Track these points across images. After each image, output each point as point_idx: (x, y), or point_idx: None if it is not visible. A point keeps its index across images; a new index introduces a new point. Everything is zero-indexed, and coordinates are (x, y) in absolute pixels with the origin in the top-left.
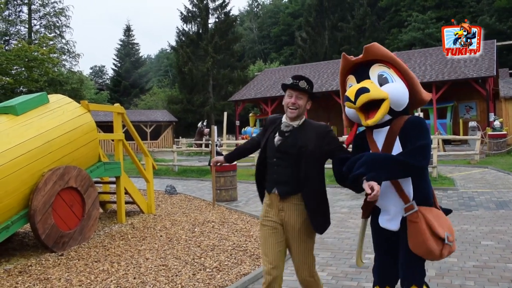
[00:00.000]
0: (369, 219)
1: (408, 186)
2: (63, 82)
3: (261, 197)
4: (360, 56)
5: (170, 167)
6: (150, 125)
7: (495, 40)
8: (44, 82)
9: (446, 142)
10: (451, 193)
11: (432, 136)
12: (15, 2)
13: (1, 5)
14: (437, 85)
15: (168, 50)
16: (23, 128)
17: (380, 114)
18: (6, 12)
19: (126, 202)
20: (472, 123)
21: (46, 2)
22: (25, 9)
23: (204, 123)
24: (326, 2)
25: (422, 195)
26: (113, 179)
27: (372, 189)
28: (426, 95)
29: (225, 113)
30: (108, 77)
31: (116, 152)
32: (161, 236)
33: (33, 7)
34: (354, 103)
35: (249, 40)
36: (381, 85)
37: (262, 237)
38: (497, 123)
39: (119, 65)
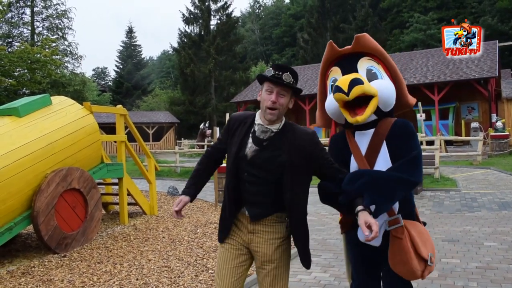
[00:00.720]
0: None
1: None
2: (66, 84)
3: (227, 218)
4: (349, 46)
5: (172, 169)
6: (152, 127)
7: (497, 40)
8: (47, 84)
9: (448, 143)
10: (454, 194)
11: (434, 137)
12: (18, 4)
13: (4, 7)
14: (439, 86)
15: (170, 52)
16: (26, 130)
17: (370, 111)
18: (9, 14)
19: (129, 204)
20: (474, 124)
21: (49, 4)
22: (28, 11)
23: (206, 125)
24: (328, 3)
25: (408, 208)
26: (116, 181)
27: (369, 227)
28: (412, 99)
29: (227, 115)
30: (111, 79)
31: (118, 154)
32: (163, 237)
33: (35, 9)
34: (347, 94)
35: (251, 42)
36: (369, 80)
37: (220, 257)
38: (499, 124)
39: (121, 66)
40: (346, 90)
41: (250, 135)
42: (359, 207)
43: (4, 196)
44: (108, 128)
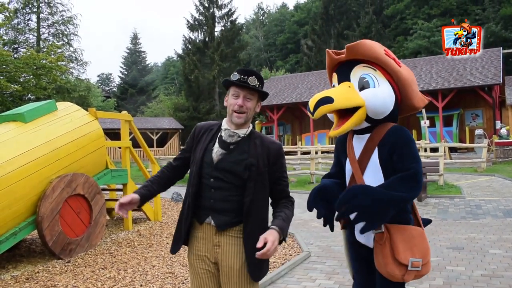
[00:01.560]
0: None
1: None
2: (71, 90)
3: (183, 229)
4: (343, 55)
5: None
6: (157, 133)
7: (501, 47)
8: (52, 89)
9: (452, 150)
10: (458, 201)
11: (438, 144)
12: (24, 11)
13: (10, 14)
14: (443, 92)
15: (174, 58)
16: (31, 135)
17: (350, 124)
18: (15, 21)
19: (133, 209)
20: (479, 131)
21: (55, 10)
22: (34, 17)
23: None
24: (332, 10)
25: (399, 214)
26: (120, 186)
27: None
28: (419, 102)
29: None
30: (115, 85)
31: (123, 159)
32: (167, 243)
33: (41, 15)
34: (312, 114)
35: (255, 48)
36: (362, 88)
37: (193, 283)
38: (503, 131)
39: (126, 72)
40: (312, 110)
41: (217, 140)
42: (272, 226)
43: (9, 202)
44: (112, 134)
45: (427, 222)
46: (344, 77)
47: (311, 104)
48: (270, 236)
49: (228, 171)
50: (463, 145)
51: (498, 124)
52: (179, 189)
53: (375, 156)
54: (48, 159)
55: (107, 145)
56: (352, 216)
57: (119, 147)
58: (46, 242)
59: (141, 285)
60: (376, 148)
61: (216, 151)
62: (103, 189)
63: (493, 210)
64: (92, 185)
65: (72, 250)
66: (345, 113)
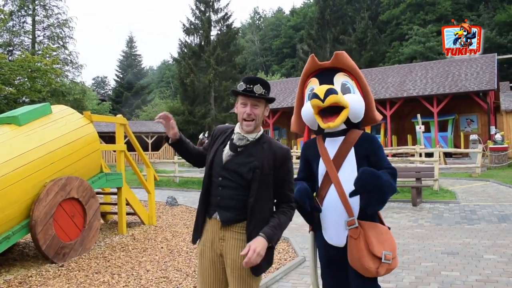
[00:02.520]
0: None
1: (355, 202)
2: (66, 93)
3: (199, 222)
4: (328, 61)
5: (171, 178)
6: (152, 136)
7: (496, 53)
8: (47, 92)
9: (447, 155)
10: (453, 206)
11: (433, 149)
12: (19, 13)
13: (5, 16)
14: (438, 98)
15: (170, 62)
16: (25, 139)
17: (341, 119)
18: (10, 23)
19: (127, 213)
20: (473, 136)
21: (50, 13)
22: (29, 20)
23: (206, 135)
24: (328, 15)
25: (363, 212)
26: (115, 190)
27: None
28: (378, 116)
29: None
30: (110, 88)
31: (118, 163)
32: (162, 247)
33: (37, 18)
34: (323, 101)
35: (251, 53)
36: (343, 93)
37: (199, 271)
38: (498, 136)
39: (121, 76)
40: (322, 97)
41: (228, 142)
42: (260, 233)
43: (2, 205)
44: (107, 137)
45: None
46: (326, 81)
47: (321, 93)
48: (253, 243)
49: (234, 172)
50: (458, 150)
51: (493, 129)
52: (174, 193)
53: (351, 155)
54: (42, 163)
55: (102, 149)
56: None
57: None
58: (40, 246)
59: None
60: (353, 149)
61: (226, 152)
62: (98, 193)
63: (488, 215)
64: (86, 188)
65: (65, 254)
66: (328, 113)
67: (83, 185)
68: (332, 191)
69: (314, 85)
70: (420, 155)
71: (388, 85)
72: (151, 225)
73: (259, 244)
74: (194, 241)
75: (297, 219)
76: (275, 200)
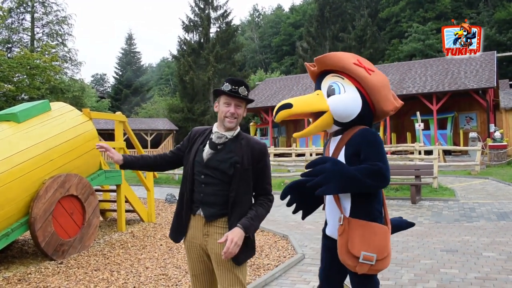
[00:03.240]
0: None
1: (345, 200)
2: (65, 90)
3: (184, 220)
4: (316, 67)
5: (170, 176)
6: (151, 134)
7: (495, 51)
8: (46, 89)
9: (446, 152)
10: (452, 204)
11: (432, 147)
12: (18, 10)
13: (4, 13)
14: (438, 95)
15: (169, 59)
16: (24, 136)
17: (313, 127)
18: (9, 20)
19: (127, 211)
20: (473, 134)
21: (49, 10)
22: (28, 17)
23: None
24: (327, 12)
25: (363, 210)
26: (114, 187)
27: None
28: (388, 106)
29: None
30: (109, 85)
31: None
32: (161, 245)
33: (36, 15)
34: (274, 118)
35: (250, 50)
36: (329, 95)
37: (189, 266)
38: (497, 134)
39: (120, 73)
40: (274, 114)
41: (208, 142)
42: (238, 224)
43: (1, 202)
44: (106, 134)
45: (410, 225)
46: (318, 86)
47: (275, 109)
48: (230, 234)
49: (216, 169)
50: (457, 148)
51: (492, 127)
52: (173, 190)
53: (342, 154)
54: (41, 160)
55: None
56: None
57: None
58: (39, 243)
59: (134, 287)
60: (344, 147)
61: (206, 151)
62: (97, 190)
63: (487, 213)
64: (85, 186)
65: (64, 251)
66: (317, 119)
67: (82, 182)
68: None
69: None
70: (420, 152)
71: None
72: (150, 222)
73: (236, 234)
74: (177, 240)
75: (296, 216)
76: (254, 193)
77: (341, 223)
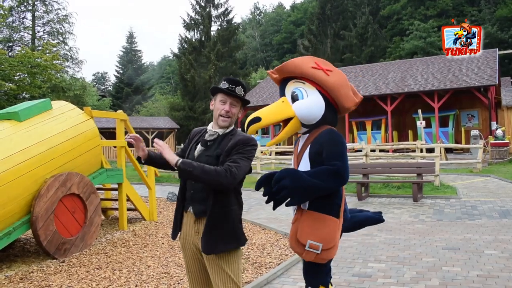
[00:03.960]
0: None
1: None
2: (66, 89)
3: (178, 218)
4: (277, 74)
5: (172, 174)
6: (152, 132)
7: (497, 49)
8: (47, 88)
9: (448, 150)
10: (454, 202)
11: (434, 145)
12: (19, 9)
13: (5, 12)
14: (439, 93)
15: (170, 57)
16: (26, 134)
17: (283, 134)
18: (10, 19)
19: (128, 209)
20: (474, 132)
21: (50, 9)
22: (29, 15)
23: None
24: (329, 10)
25: (321, 204)
26: (115, 186)
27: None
28: (349, 101)
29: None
30: (111, 84)
31: (118, 159)
32: (162, 243)
33: (37, 13)
34: (245, 131)
35: (251, 48)
36: (293, 101)
37: (184, 263)
38: (499, 132)
39: (121, 71)
40: (245, 127)
41: (201, 141)
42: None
43: (3, 201)
44: (107, 133)
45: (379, 221)
46: (282, 92)
47: (245, 124)
48: (163, 144)
49: (204, 164)
50: (459, 146)
51: (494, 125)
52: (174, 188)
53: (307, 152)
54: (43, 158)
55: (102, 144)
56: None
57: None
58: (41, 241)
59: (136, 285)
60: (309, 146)
61: (198, 148)
62: (98, 189)
63: (489, 210)
64: (87, 184)
65: (66, 250)
66: (287, 124)
67: (84, 181)
68: None
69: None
70: (421, 150)
71: (389, 80)
72: (152, 220)
73: (167, 148)
74: (173, 237)
75: None
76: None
77: (295, 213)
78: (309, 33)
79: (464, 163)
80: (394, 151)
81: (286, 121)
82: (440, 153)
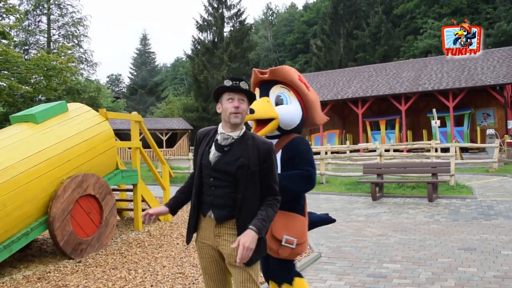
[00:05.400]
0: None
1: None
2: (81, 91)
3: (191, 223)
4: (266, 75)
5: (186, 175)
6: (166, 133)
7: None
8: (63, 90)
9: (463, 150)
10: (470, 202)
11: (449, 144)
12: (34, 13)
13: (21, 16)
14: (454, 92)
15: (183, 59)
16: (42, 136)
17: (265, 130)
18: (26, 22)
19: (143, 210)
20: (490, 131)
21: (65, 12)
22: (44, 19)
23: None
24: (341, 10)
25: (288, 205)
26: (130, 187)
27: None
28: (320, 119)
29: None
30: (125, 86)
31: (133, 160)
32: (177, 243)
33: (52, 17)
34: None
35: (264, 48)
36: (277, 104)
37: (201, 265)
38: None
39: (135, 73)
40: None
41: (213, 143)
42: (250, 226)
43: (20, 202)
44: (122, 134)
45: (332, 221)
46: (264, 93)
47: None
48: (243, 238)
49: (223, 171)
50: (475, 145)
51: (510, 123)
52: None
53: (278, 156)
54: (59, 160)
55: (117, 146)
56: None
57: (129, 148)
58: (57, 242)
59: (151, 285)
60: (281, 150)
61: (213, 153)
62: (114, 190)
63: (505, 210)
64: (102, 185)
65: (83, 250)
66: (261, 122)
67: (100, 182)
68: None
69: (257, 95)
70: (436, 150)
71: (403, 79)
72: (167, 221)
73: (248, 238)
74: (188, 241)
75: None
76: (260, 193)
77: None
78: (322, 33)
79: (479, 162)
80: (409, 150)
81: (265, 121)
82: (456, 152)
